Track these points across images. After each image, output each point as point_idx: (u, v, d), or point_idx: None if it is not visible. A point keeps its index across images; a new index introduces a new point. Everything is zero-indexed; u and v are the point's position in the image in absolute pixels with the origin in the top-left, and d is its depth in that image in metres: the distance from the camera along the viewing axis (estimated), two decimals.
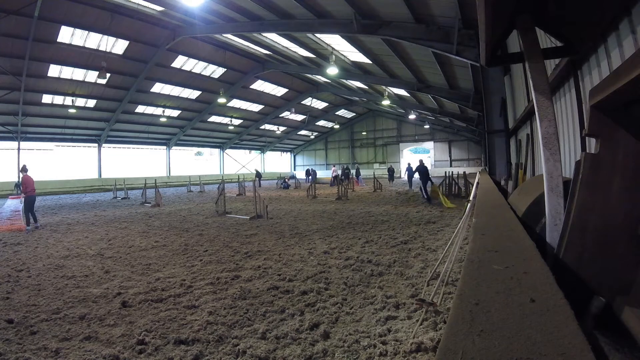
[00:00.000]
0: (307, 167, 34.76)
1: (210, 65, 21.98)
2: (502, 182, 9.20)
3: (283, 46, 17.78)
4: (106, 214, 11.06)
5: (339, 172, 24.50)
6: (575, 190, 2.18)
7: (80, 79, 19.74)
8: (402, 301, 3.31)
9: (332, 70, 15.61)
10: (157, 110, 25.84)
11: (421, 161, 13.49)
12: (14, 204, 9.99)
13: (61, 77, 19.08)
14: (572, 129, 4.53)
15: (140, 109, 24.97)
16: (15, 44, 15.60)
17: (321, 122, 40.68)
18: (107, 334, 2.80)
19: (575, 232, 2.13)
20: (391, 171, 26.44)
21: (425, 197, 12.50)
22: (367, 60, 15.53)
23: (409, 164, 15.55)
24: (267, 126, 36.07)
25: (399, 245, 5.70)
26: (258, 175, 26.57)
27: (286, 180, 25.96)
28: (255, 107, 30.69)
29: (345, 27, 10.92)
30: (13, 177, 21.59)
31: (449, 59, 11.33)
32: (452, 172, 16.66)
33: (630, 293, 1.81)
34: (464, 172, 15.78)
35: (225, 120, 31.67)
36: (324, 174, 38.55)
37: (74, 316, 3.14)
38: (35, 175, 23.44)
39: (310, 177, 27.08)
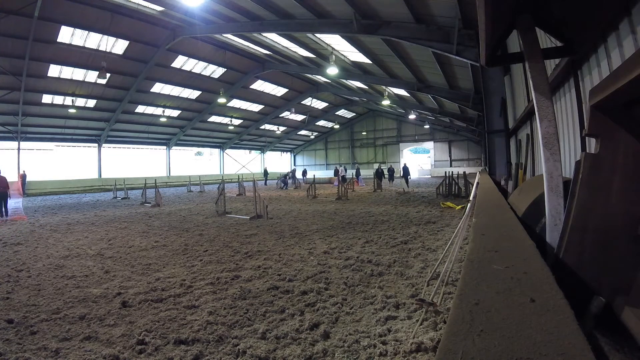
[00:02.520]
0: (303, 168, 34.76)
1: (210, 65, 21.98)
2: (502, 182, 9.20)
3: (283, 46, 17.79)
4: (106, 214, 11.06)
5: (345, 172, 24.97)
6: (575, 190, 2.18)
7: (80, 79, 19.74)
8: (402, 301, 3.31)
9: (332, 70, 15.61)
10: (157, 110, 25.84)
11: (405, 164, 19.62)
12: (12, 202, 10.29)
13: (61, 77, 19.08)
14: (572, 129, 4.53)
15: (140, 109, 24.97)
16: (15, 44, 15.60)
17: (321, 122, 40.68)
18: (107, 334, 2.80)
19: (575, 232, 2.13)
20: (391, 171, 26.37)
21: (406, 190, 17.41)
22: (367, 60, 15.53)
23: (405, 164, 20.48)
24: (267, 126, 36.07)
25: (399, 245, 5.70)
26: (265, 174, 29.77)
27: (286, 177, 25.64)
28: (255, 107, 30.68)
29: (345, 27, 10.93)
30: (13, 177, 21.62)
31: (449, 59, 11.33)
32: (452, 172, 16.65)
33: (630, 293, 1.81)
34: (464, 172, 15.77)
35: (225, 120, 31.66)
36: (323, 173, 38.54)
37: (74, 316, 3.14)
38: (35, 175, 23.52)
39: (290, 179, 26.74)
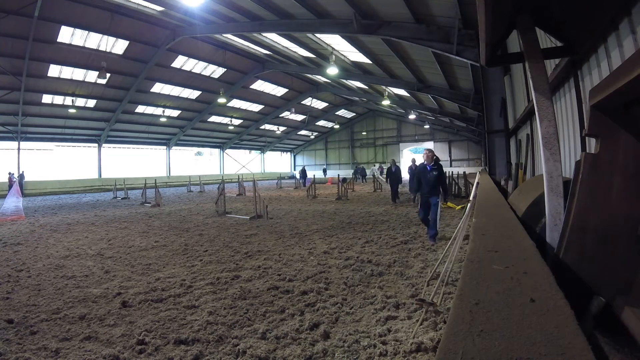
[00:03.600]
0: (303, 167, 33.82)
1: (210, 65, 21.98)
2: (502, 182, 9.21)
3: (283, 46, 17.78)
4: (106, 214, 11.06)
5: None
6: (575, 190, 2.18)
7: (80, 79, 19.73)
8: (402, 301, 3.31)
9: (332, 70, 15.61)
10: (157, 110, 25.83)
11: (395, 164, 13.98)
12: (13, 201, 10.35)
13: (61, 77, 19.08)
14: (572, 129, 4.53)
15: (140, 109, 24.97)
16: (15, 44, 15.60)
17: (321, 122, 40.68)
18: (107, 334, 2.80)
19: (575, 232, 2.13)
20: (360, 170, 24.31)
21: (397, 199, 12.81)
22: (367, 60, 15.53)
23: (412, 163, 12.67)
24: (267, 126, 36.07)
25: (399, 245, 5.70)
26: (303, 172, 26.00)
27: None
28: (255, 107, 30.68)
29: (345, 27, 10.93)
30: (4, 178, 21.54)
31: (449, 59, 11.33)
32: (452, 172, 16.65)
33: (630, 293, 1.81)
34: (464, 172, 15.77)
35: (225, 120, 31.67)
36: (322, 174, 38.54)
37: (74, 316, 3.14)
38: (35, 175, 23.42)
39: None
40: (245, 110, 30.47)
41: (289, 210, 10.88)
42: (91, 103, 22.47)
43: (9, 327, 2.92)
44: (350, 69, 18.70)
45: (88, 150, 27.24)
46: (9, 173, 20.62)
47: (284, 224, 8.25)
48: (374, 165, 33.33)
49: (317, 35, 13.91)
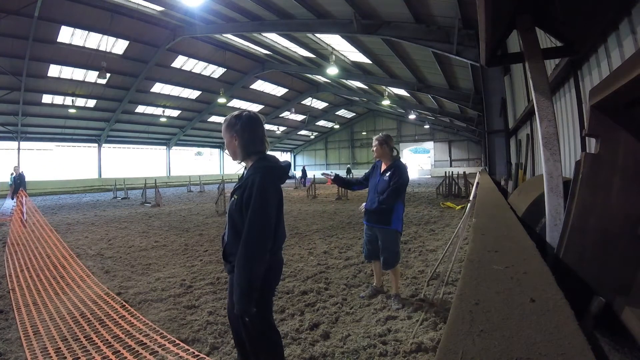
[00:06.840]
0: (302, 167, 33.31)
1: (210, 65, 21.98)
2: (502, 182, 9.21)
3: (283, 46, 17.79)
4: (106, 214, 11.05)
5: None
6: (575, 190, 2.18)
7: (80, 79, 19.73)
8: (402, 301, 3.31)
9: (332, 70, 15.62)
10: (157, 110, 25.83)
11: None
12: (13, 202, 10.38)
13: (61, 77, 19.08)
14: (572, 129, 4.53)
15: (140, 109, 24.97)
16: (15, 44, 15.60)
17: (321, 122, 40.69)
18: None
19: (575, 232, 2.13)
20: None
21: None
22: (367, 60, 15.53)
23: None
24: (267, 126, 35.93)
25: None
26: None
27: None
28: (255, 107, 30.63)
29: (345, 27, 10.92)
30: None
31: (449, 59, 11.33)
32: (452, 172, 16.65)
33: (630, 293, 1.81)
34: (464, 172, 15.77)
35: None
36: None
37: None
38: (36, 175, 23.38)
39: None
40: (246, 110, 30.48)
41: (289, 210, 10.87)
42: (91, 103, 22.47)
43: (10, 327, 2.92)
44: (350, 69, 18.70)
45: (88, 150, 27.24)
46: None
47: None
48: None
49: (317, 35, 13.91)
